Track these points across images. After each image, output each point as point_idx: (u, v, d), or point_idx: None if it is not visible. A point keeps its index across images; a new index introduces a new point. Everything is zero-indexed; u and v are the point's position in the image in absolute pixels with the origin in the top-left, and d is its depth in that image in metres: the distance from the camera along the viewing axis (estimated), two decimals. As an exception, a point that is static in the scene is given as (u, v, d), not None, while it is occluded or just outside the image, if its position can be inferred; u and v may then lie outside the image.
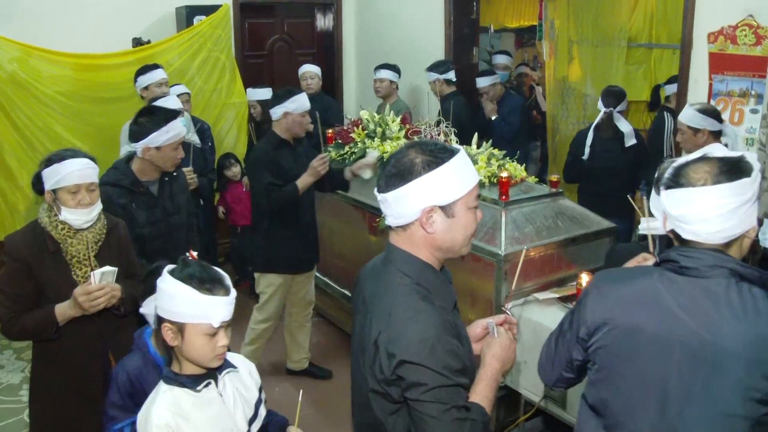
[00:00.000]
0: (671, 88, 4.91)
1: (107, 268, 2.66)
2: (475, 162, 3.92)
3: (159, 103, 4.15)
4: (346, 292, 4.77)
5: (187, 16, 6.11)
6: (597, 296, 1.84)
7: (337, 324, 5.03)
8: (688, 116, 3.82)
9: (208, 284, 1.89)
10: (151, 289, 2.17)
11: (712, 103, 4.22)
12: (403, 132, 4.77)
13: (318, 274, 5.08)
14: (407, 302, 1.74)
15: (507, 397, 3.56)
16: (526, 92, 7.16)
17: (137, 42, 6.06)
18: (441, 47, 6.35)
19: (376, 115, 4.89)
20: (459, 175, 1.73)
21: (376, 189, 1.81)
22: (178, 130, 3.28)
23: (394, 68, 5.96)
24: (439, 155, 1.72)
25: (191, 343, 1.90)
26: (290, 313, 4.50)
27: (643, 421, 1.73)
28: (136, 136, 3.21)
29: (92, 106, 5.55)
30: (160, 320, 1.94)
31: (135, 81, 4.90)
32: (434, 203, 1.72)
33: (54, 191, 2.65)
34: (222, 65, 6.10)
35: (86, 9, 5.97)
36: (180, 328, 1.90)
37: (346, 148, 4.75)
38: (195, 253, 2.04)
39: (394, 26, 6.95)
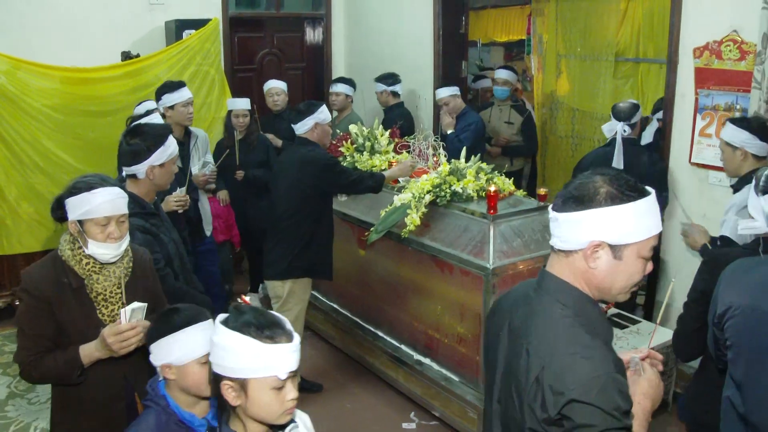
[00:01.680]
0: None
1: (137, 304, 2.43)
2: (463, 176, 3.94)
3: (145, 121, 4.06)
4: (336, 306, 4.76)
5: (177, 30, 6.11)
6: (726, 284, 2.11)
7: (326, 339, 5.01)
8: (726, 133, 3.44)
9: (268, 331, 1.70)
10: (158, 334, 2.14)
11: (699, 117, 4.25)
12: (392, 146, 4.78)
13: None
14: (573, 336, 1.63)
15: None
16: (522, 104, 7.19)
17: (126, 56, 6.06)
18: (430, 61, 6.38)
19: (365, 129, 4.91)
20: (641, 220, 1.62)
21: (551, 205, 1.72)
22: (174, 144, 3.17)
23: (349, 82, 6.13)
24: (627, 192, 1.61)
25: (257, 400, 1.71)
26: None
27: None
28: (136, 157, 3.02)
29: (81, 120, 5.54)
30: (217, 378, 1.74)
31: (158, 99, 4.66)
32: (605, 239, 1.62)
33: (80, 222, 2.41)
34: (211, 79, 6.10)
35: (76, 22, 5.97)
36: (243, 385, 1.70)
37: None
38: (248, 298, 2.01)
39: (383, 40, 6.98)
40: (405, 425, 4.08)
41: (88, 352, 2.43)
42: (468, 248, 3.59)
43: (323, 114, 4.08)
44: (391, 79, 6.11)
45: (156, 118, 4.28)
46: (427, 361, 3.96)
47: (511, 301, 1.85)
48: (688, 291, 2.72)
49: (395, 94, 6.09)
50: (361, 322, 4.51)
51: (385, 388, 4.36)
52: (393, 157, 4.59)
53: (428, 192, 3.89)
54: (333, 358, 4.91)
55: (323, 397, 4.47)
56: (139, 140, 3.04)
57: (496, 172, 4.19)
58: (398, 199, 3.99)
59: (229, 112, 5.35)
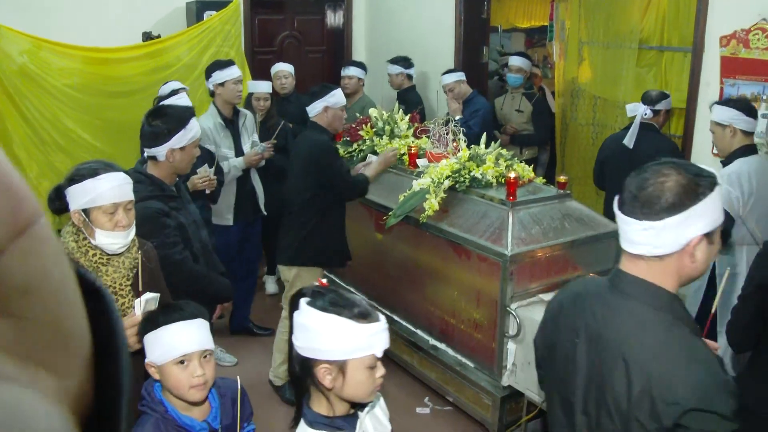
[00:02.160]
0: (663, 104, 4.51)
1: (150, 294, 2.34)
2: (482, 162, 3.92)
3: (171, 101, 4.08)
4: (352, 290, 4.77)
5: (198, 11, 6.11)
6: None
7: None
8: (714, 113, 3.72)
9: (358, 311, 1.68)
10: (143, 330, 2.08)
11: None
12: (412, 130, 4.76)
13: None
14: (675, 340, 1.61)
15: (510, 397, 3.56)
16: (536, 93, 7.13)
17: (147, 36, 6.07)
18: (451, 46, 6.34)
19: (384, 113, 4.89)
20: (718, 200, 1.61)
21: (630, 217, 1.63)
22: (197, 127, 3.12)
23: (361, 65, 6.18)
24: (704, 179, 1.58)
25: (354, 381, 1.68)
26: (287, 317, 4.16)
27: None
28: (157, 139, 2.97)
29: (102, 100, 5.56)
30: (305, 362, 1.71)
31: (208, 77, 4.68)
32: (703, 231, 1.58)
33: (85, 211, 2.30)
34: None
35: (97, 3, 5.98)
36: (341, 367, 1.67)
37: (354, 146, 4.75)
38: (324, 280, 1.92)
39: (404, 25, 6.94)
40: (419, 410, 4.09)
41: None
42: (486, 234, 3.58)
43: (335, 98, 4.03)
44: (407, 61, 6.17)
45: (183, 99, 4.29)
46: (442, 346, 3.96)
47: (582, 304, 1.80)
48: (743, 284, 2.72)
49: (410, 77, 6.14)
50: (377, 306, 4.50)
51: (400, 373, 4.36)
52: (413, 142, 4.57)
53: (447, 177, 3.87)
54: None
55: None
56: (161, 122, 2.98)
57: (515, 158, 4.17)
58: (417, 184, 3.97)
59: (250, 94, 5.32)
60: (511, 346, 3.46)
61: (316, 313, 1.67)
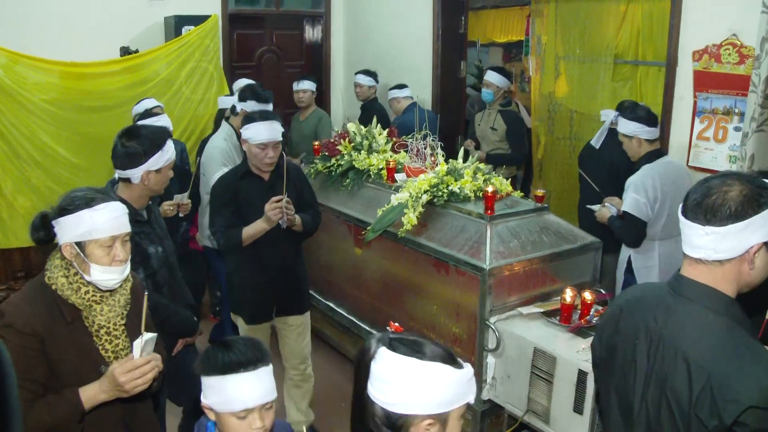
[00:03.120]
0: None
1: (149, 335, 2.12)
2: (460, 176, 3.94)
3: (152, 122, 3.99)
4: (331, 305, 4.76)
5: (176, 26, 6.10)
6: None
7: (322, 338, 5.00)
8: (620, 126, 4.10)
9: (448, 354, 1.56)
10: (204, 370, 1.90)
11: (697, 120, 4.26)
12: (390, 145, 4.78)
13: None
14: (735, 341, 1.67)
15: (490, 411, 3.56)
16: (514, 110, 7.16)
17: (125, 51, 6.05)
18: (429, 61, 6.38)
19: (363, 127, 4.90)
20: None
21: (694, 222, 1.71)
22: (172, 148, 2.99)
23: (313, 78, 6.23)
24: (767, 191, 1.67)
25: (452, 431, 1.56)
26: (285, 367, 3.97)
27: None
28: (132, 160, 2.83)
29: (79, 115, 5.54)
30: (399, 421, 1.51)
31: (241, 99, 4.52)
32: (764, 239, 1.68)
33: (79, 244, 2.10)
34: (210, 75, 6.10)
35: (74, 17, 5.95)
36: (444, 420, 1.52)
37: (333, 161, 4.75)
38: (396, 324, 1.70)
39: (382, 39, 6.98)
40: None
41: (91, 394, 2.08)
42: (465, 248, 3.59)
43: (250, 131, 3.52)
44: (374, 74, 6.33)
45: (163, 119, 4.24)
46: (422, 360, 3.95)
47: (642, 307, 1.86)
48: None
49: (374, 89, 6.33)
50: (356, 321, 4.51)
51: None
52: (391, 156, 4.59)
53: (425, 192, 3.89)
54: (328, 357, 4.90)
55: (317, 395, 4.46)
56: (136, 143, 2.85)
57: (493, 172, 4.19)
58: (396, 199, 3.98)
59: (223, 110, 5.27)
60: (490, 359, 3.47)
61: (412, 362, 1.51)
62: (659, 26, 5.57)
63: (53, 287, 2.12)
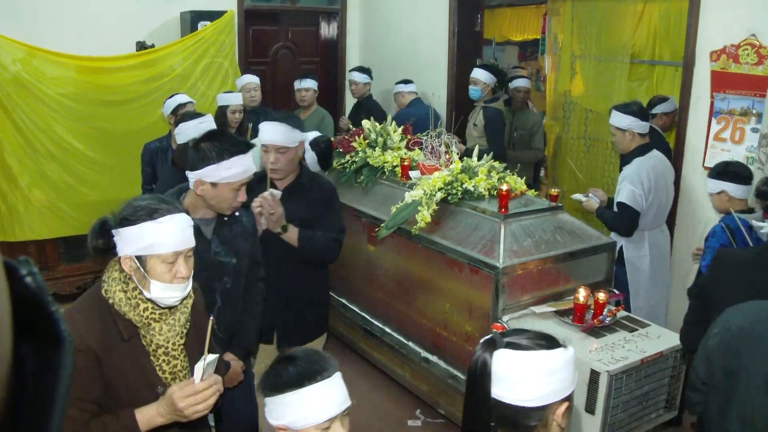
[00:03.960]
0: (660, 108, 4.85)
1: (212, 356, 1.98)
2: (475, 174, 3.93)
3: (195, 125, 3.82)
4: (344, 301, 4.76)
5: (192, 21, 6.12)
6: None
7: (334, 334, 5.01)
8: (614, 119, 4.18)
9: (554, 338, 1.67)
10: (270, 388, 1.78)
11: (714, 121, 4.23)
12: (404, 142, 4.78)
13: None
14: None
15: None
16: (516, 107, 7.08)
17: (141, 46, 6.08)
18: (444, 59, 6.37)
19: (377, 124, 4.90)
20: None
21: None
22: (244, 167, 2.62)
23: (315, 77, 6.17)
24: None
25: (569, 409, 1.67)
26: None
27: None
28: (191, 163, 2.60)
29: (95, 109, 5.57)
30: (535, 414, 1.58)
31: None
32: None
33: (139, 258, 1.96)
34: (225, 71, 6.11)
35: (91, 12, 5.99)
36: (572, 399, 1.65)
37: (347, 157, 4.76)
38: (498, 323, 1.69)
39: (398, 37, 6.97)
40: (411, 422, 4.08)
41: (148, 417, 1.97)
42: (478, 247, 3.58)
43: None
44: (369, 71, 6.37)
45: (207, 122, 3.97)
46: (434, 358, 3.95)
47: None
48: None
49: (369, 86, 6.38)
50: (369, 318, 4.51)
51: (392, 385, 4.36)
52: (405, 154, 4.59)
53: (440, 189, 3.88)
54: (339, 354, 4.91)
55: None
56: (206, 146, 2.59)
57: (508, 171, 4.18)
58: (409, 196, 3.98)
59: (225, 107, 5.26)
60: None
61: (539, 354, 1.57)
62: (676, 26, 5.53)
63: (110, 301, 1.98)
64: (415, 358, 4.05)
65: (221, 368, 2.22)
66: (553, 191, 3.99)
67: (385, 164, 4.53)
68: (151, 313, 2.00)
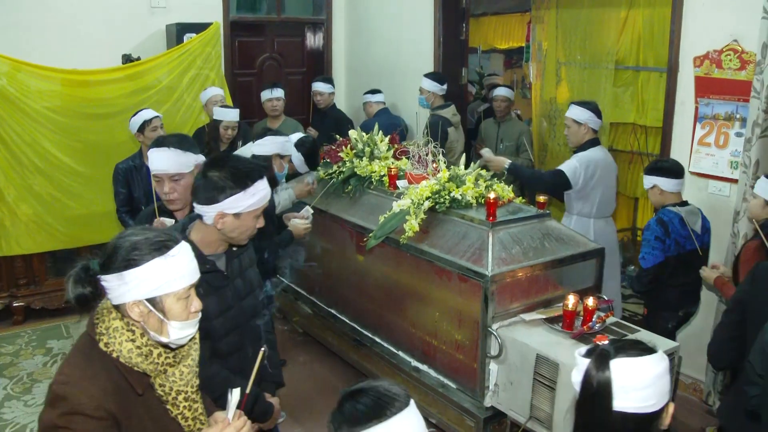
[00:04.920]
0: None
1: (237, 390, 1.88)
2: (462, 182, 3.94)
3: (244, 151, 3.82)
4: (333, 312, 4.75)
5: (178, 34, 6.12)
6: None
7: (324, 344, 5.00)
8: (573, 112, 4.50)
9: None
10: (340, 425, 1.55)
11: (698, 126, 4.26)
12: (392, 152, 4.78)
13: (304, 293, 5.07)
14: None
15: (493, 418, 3.55)
16: (500, 117, 7.10)
17: (127, 58, 6.06)
18: (430, 67, 6.39)
19: (364, 134, 4.91)
20: None
21: None
22: (265, 191, 2.45)
23: (282, 86, 6.13)
24: None
25: None
26: None
27: None
28: (207, 196, 2.34)
29: (81, 122, 5.55)
30: (653, 416, 1.62)
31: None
32: None
33: (151, 300, 1.75)
34: (212, 83, 6.11)
35: (77, 25, 5.98)
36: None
37: (335, 168, 4.75)
38: (600, 335, 1.69)
39: (383, 46, 6.99)
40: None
41: None
42: (467, 255, 3.59)
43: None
44: (332, 80, 6.43)
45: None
46: (424, 367, 3.95)
47: None
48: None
49: (333, 95, 6.44)
50: (358, 328, 4.50)
51: (383, 394, 4.34)
52: (392, 163, 4.59)
53: (427, 198, 3.89)
54: (330, 364, 4.90)
55: (319, 403, 4.46)
56: (218, 174, 2.35)
57: (495, 179, 4.19)
58: (397, 205, 3.98)
59: (217, 122, 5.21)
60: (493, 366, 3.46)
61: (652, 358, 1.61)
62: (660, 32, 5.59)
63: (114, 355, 1.76)
64: (405, 367, 4.05)
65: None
66: (541, 198, 4.00)
67: (373, 174, 4.53)
68: (166, 358, 1.82)
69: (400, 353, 4.11)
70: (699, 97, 4.27)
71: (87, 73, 5.60)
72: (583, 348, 1.69)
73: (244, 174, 2.36)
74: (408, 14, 6.64)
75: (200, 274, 1.96)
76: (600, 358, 1.59)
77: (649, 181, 3.91)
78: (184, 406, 1.87)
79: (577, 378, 1.66)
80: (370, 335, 4.40)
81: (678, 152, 4.40)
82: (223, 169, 2.35)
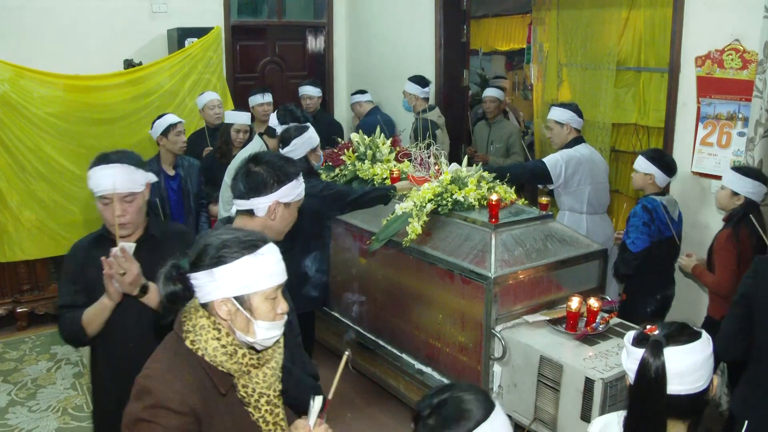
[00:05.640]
0: None
1: (319, 397, 1.89)
2: (464, 184, 3.94)
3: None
4: (336, 315, 4.75)
5: (179, 38, 6.13)
6: None
7: (328, 348, 4.99)
8: (554, 114, 4.64)
9: None
10: None
11: (700, 126, 4.26)
12: (393, 154, 4.78)
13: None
14: None
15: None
16: (490, 118, 7.10)
17: (129, 64, 6.08)
18: (431, 70, 6.39)
19: (366, 137, 4.91)
20: None
21: None
22: (303, 185, 2.54)
23: (271, 91, 6.00)
24: None
25: None
26: None
27: None
28: (262, 187, 2.37)
29: (83, 127, 5.56)
30: (703, 395, 1.78)
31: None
32: None
33: (238, 298, 1.74)
34: (213, 87, 6.12)
35: (78, 31, 5.99)
36: None
37: (337, 171, 4.76)
38: (650, 326, 1.81)
39: (384, 49, 6.99)
40: (406, 434, 4.06)
41: None
42: (469, 257, 3.58)
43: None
44: (319, 84, 6.38)
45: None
46: (428, 370, 3.94)
47: None
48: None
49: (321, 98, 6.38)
50: (361, 331, 4.50)
51: (387, 398, 4.34)
52: (394, 166, 4.59)
53: (429, 201, 3.89)
54: (334, 368, 4.88)
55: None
56: (265, 168, 2.40)
57: (497, 180, 4.19)
58: (399, 208, 3.98)
59: (228, 125, 5.20)
60: (497, 368, 3.46)
61: (699, 343, 1.74)
62: (661, 32, 5.58)
63: (200, 353, 1.74)
64: (409, 369, 4.04)
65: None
66: (543, 200, 4.00)
67: (375, 177, 4.53)
68: (250, 359, 1.79)
69: (404, 356, 4.11)
70: (701, 97, 4.26)
71: (89, 78, 5.61)
72: (631, 334, 1.82)
73: (291, 164, 2.48)
74: (409, 17, 6.64)
75: None
76: (654, 348, 1.70)
77: (647, 167, 3.99)
78: (266, 410, 1.83)
79: (629, 365, 1.77)
80: (373, 338, 4.39)
81: (680, 152, 4.39)
82: (269, 163, 2.41)
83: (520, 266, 3.51)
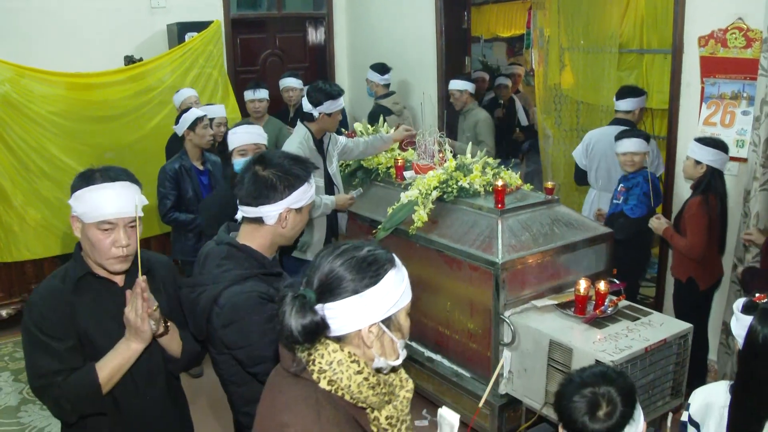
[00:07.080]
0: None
1: (453, 414, 1.77)
2: (469, 171, 3.93)
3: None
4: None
5: (179, 33, 6.11)
6: None
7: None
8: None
9: None
10: None
11: (704, 106, 4.23)
12: (397, 143, 4.77)
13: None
14: None
15: (508, 405, 3.55)
16: (504, 105, 7.14)
17: (129, 60, 6.07)
18: (433, 58, 6.37)
19: (369, 127, 4.90)
20: None
21: None
22: (314, 186, 2.31)
23: (267, 86, 5.93)
24: None
25: None
26: None
27: None
28: (272, 194, 2.13)
29: (86, 125, 5.55)
30: None
31: (316, 103, 4.09)
32: None
33: (387, 320, 1.55)
34: (215, 81, 6.11)
35: (78, 28, 5.98)
36: None
37: (341, 161, 4.75)
38: (759, 295, 2.08)
39: (385, 38, 6.97)
40: (417, 422, 4.07)
41: None
42: (476, 243, 3.58)
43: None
44: (300, 76, 6.37)
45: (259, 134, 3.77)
46: (437, 357, 3.95)
47: None
48: None
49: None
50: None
51: (397, 386, 4.35)
52: (398, 155, 4.58)
53: (435, 188, 3.88)
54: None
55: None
56: (274, 171, 2.13)
57: (502, 166, 4.18)
58: (405, 196, 3.97)
59: (210, 120, 5.07)
60: (506, 353, 3.46)
61: None
62: (663, 13, 5.54)
63: (339, 393, 1.50)
64: (418, 357, 4.04)
65: None
66: (549, 184, 3.99)
67: (379, 166, 4.53)
68: (383, 387, 1.56)
69: (413, 344, 4.11)
70: (704, 77, 4.23)
71: (90, 76, 5.60)
72: (740, 302, 1.96)
73: (303, 164, 2.20)
74: (409, 5, 6.61)
75: (270, 277, 2.05)
76: (762, 316, 1.84)
77: (644, 147, 4.23)
78: None
79: (738, 331, 1.93)
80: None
81: (685, 133, 4.37)
82: (278, 165, 2.15)
83: (528, 251, 3.50)
